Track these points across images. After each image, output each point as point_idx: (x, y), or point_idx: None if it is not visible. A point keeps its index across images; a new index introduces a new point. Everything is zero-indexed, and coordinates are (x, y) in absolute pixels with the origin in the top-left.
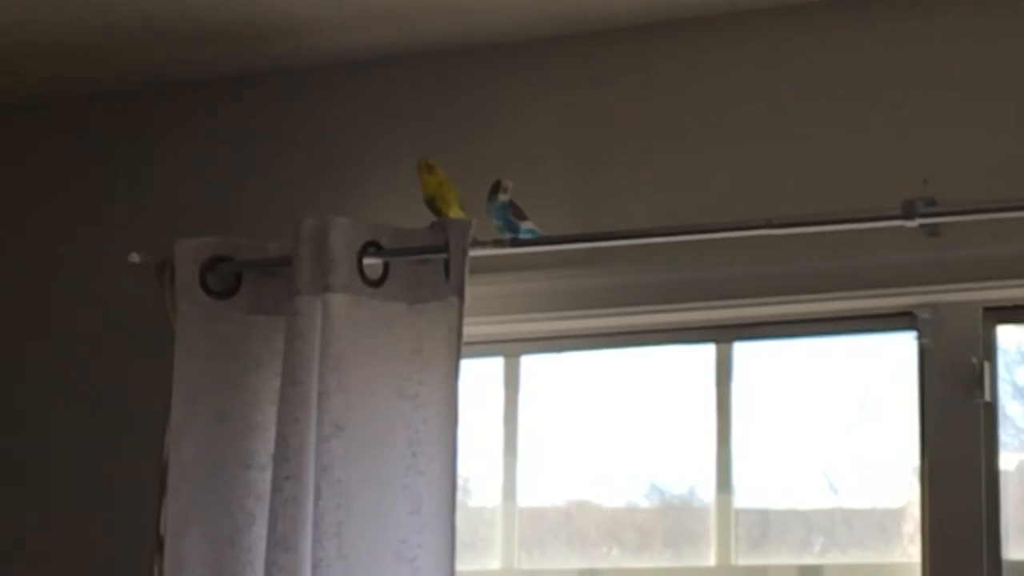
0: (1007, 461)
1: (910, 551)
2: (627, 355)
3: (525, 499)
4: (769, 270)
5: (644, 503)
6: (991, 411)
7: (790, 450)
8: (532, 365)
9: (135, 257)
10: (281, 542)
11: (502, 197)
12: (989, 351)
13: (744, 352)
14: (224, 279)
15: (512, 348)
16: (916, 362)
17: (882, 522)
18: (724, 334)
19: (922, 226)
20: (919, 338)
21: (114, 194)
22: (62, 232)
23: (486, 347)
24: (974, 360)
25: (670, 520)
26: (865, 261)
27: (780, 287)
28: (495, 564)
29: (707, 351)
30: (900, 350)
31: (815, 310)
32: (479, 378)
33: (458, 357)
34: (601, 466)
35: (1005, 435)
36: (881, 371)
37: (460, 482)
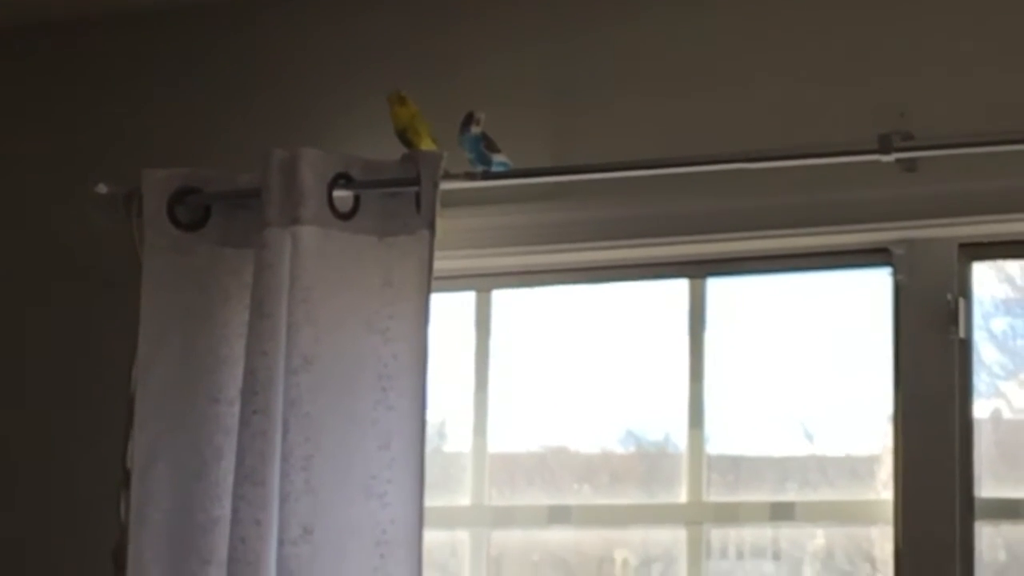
0: (982, 402)
1: (884, 496)
2: (600, 291)
3: (497, 443)
4: (743, 205)
5: (619, 449)
6: (966, 348)
7: (764, 393)
8: (504, 300)
9: (102, 188)
10: (249, 476)
11: (474, 129)
12: (964, 288)
13: (718, 289)
14: (193, 211)
15: (483, 283)
16: (891, 299)
17: (856, 469)
18: (697, 269)
19: (898, 161)
20: (894, 274)
21: (80, 124)
22: (26, 164)
23: (457, 281)
24: (949, 297)
25: (645, 464)
26: (840, 196)
27: (755, 222)
28: (465, 501)
29: (680, 287)
30: (875, 287)
31: (790, 245)
32: (450, 313)
33: (428, 291)
34: (574, 409)
35: (981, 374)
36: (856, 309)
37: (434, 426)
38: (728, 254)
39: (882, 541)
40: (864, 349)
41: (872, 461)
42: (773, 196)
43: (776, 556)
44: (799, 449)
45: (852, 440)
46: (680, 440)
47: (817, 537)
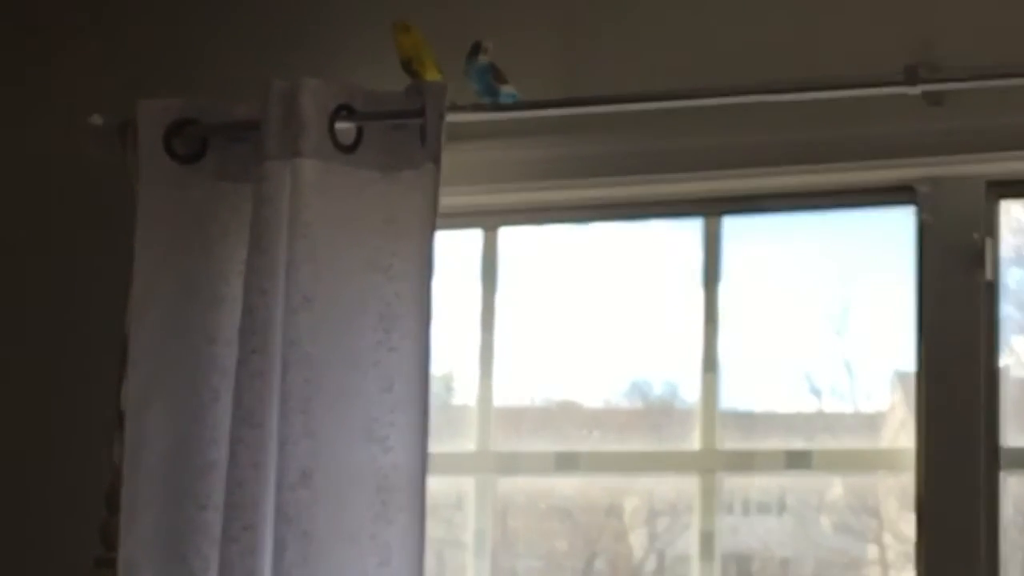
0: (1008, 348)
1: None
2: (611, 229)
3: (503, 396)
4: (761, 139)
5: (626, 400)
6: (992, 290)
7: (777, 340)
8: (511, 238)
9: (96, 119)
10: (247, 418)
11: (482, 59)
12: (992, 227)
13: (734, 227)
14: (190, 143)
15: (490, 220)
16: (915, 239)
17: (874, 422)
18: (713, 207)
19: (924, 94)
20: (919, 213)
21: (73, 52)
22: (15, 94)
23: (463, 218)
24: (976, 237)
25: (654, 414)
26: (863, 131)
27: (773, 158)
28: (470, 446)
29: (695, 225)
30: (898, 226)
31: (809, 183)
32: (455, 251)
33: (433, 228)
34: (581, 358)
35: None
36: (877, 249)
37: (441, 379)
38: (745, 191)
39: (902, 490)
40: (885, 290)
41: (891, 413)
42: (792, 130)
43: (788, 507)
44: (811, 404)
45: (869, 391)
46: (690, 392)
47: (834, 486)
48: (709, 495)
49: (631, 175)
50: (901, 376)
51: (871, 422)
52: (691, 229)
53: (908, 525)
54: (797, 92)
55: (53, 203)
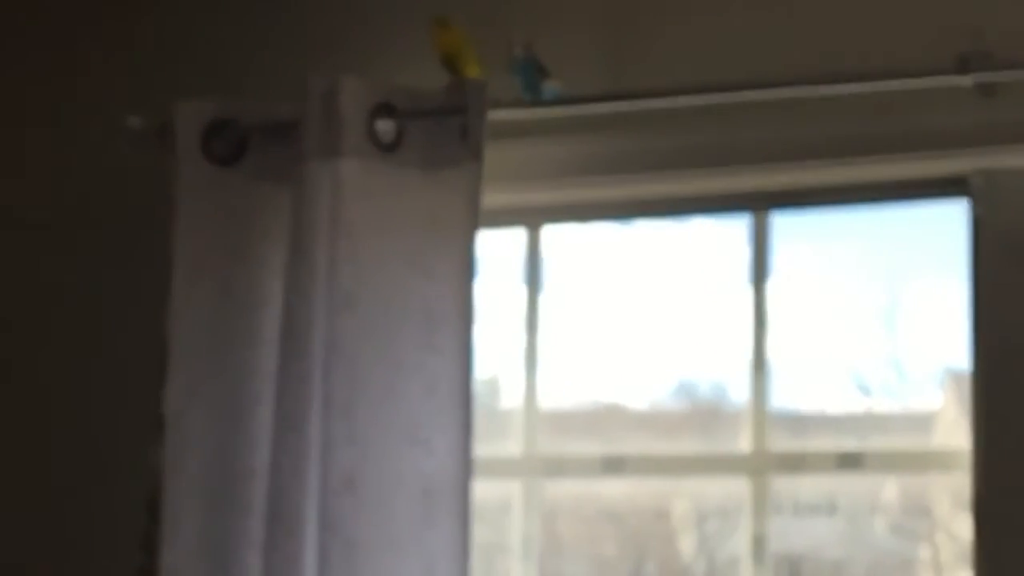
0: None
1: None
2: (657, 227)
3: (547, 399)
4: (810, 133)
5: (673, 402)
6: None
7: (826, 339)
8: (555, 237)
9: (134, 121)
10: (288, 423)
11: (523, 54)
12: None
13: (782, 224)
14: (228, 144)
15: (534, 218)
16: (968, 234)
17: (927, 423)
18: (761, 203)
19: (977, 84)
20: (972, 207)
21: (109, 53)
22: (52, 97)
23: (506, 217)
24: None
25: (701, 417)
26: (914, 123)
27: (822, 151)
28: (516, 449)
29: (742, 222)
30: (951, 221)
31: (859, 176)
32: (498, 250)
33: (476, 227)
34: (628, 356)
35: None
36: (930, 244)
37: (486, 383)
38: (793, 186)
39: (954, 490)
40: (938, 288)
41: (942, 412)
42: (842, 123)
43: (839, 508)
44: (860, 403)
45: (920, 390)
46: (738, 394)
47: (886, 486)
48: (760, 497)
49: (677, 171)
50: (953, 374)
51: (922, 421)
52: (738, 225)
53: (962, 525)
54: (846, 83)
55: (91, 207)
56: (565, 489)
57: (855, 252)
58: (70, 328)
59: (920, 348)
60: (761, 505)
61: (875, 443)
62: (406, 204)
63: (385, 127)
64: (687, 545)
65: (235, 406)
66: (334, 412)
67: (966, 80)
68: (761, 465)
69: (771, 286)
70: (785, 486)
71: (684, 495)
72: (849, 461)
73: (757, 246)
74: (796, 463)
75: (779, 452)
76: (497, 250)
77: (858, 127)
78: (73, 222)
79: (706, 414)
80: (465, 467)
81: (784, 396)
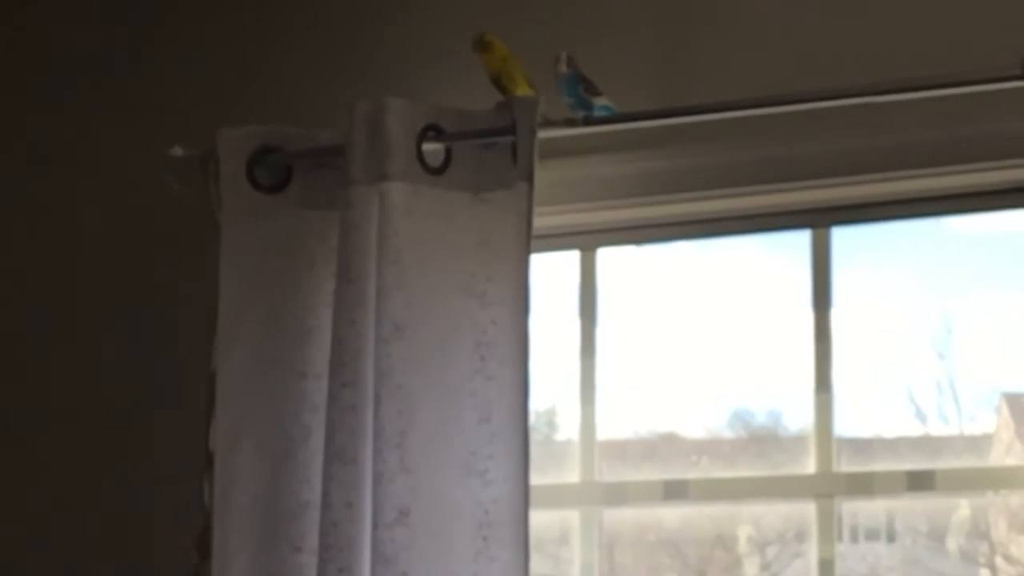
0: None
1: None
2: (715, 246)
3: (606, 425)
4: (871, 144)
5: (730, 430)
6: None
7: (893, 356)
8: (610, 258)
9: (177, 151)
10: (339, 455)
11: (567, 70)
12: None
13: (844, 238)
14: (273, 172)
15: (588, 240)
16: None
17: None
18: (822, 218)
19: None
20: None
21: (153, 82)
22: (96, 125)
23: (559, 239)
24: None
25: (764, 441)
26: (980, 130)
27: (884, 163)
28: (574, 478)
29: (802, 238)
30: (1019, 230)
31: (923, 187)
32: (552, 274)
33: (528, 250)
34: (686, 382)
35: None
36: (999, 256)
37: (543, 414)
38: (855, 199)
39: (1011, 512)
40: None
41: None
42: (904, 133)
43: (916, 529)
44: (916, 427)
45: (974, 413)
46: (793, 418)
47: (961, 507)
48: (827, 521)
49: (734, 187)
50: (1007, 397)
51: (976, 444)
52: (799, 242)
53: (1019, 548)
54: (908, 92)
55: (136, 238)
56: (625, 517)
57: (919, 264)
58: (115, 362)
59: (978, 368)
60: (828, 529)
61: (937, 464)
62: (456, 228)
63: (433, 150)
64: (750, 571)
65: (284, 439)
66: (386, 442)
67: None
68: (827, 487)
69: (834, 302)
70: (847, 510)
71: (750, 520)
72: (921, 481)
73: (817, 261)
74: (865, 484)
75: (846, 472)
76: (551, 273)
77: (921, 136)
78: (118, 253)
79: (765, 439)
80: (523, 496)
81: (843, 419)
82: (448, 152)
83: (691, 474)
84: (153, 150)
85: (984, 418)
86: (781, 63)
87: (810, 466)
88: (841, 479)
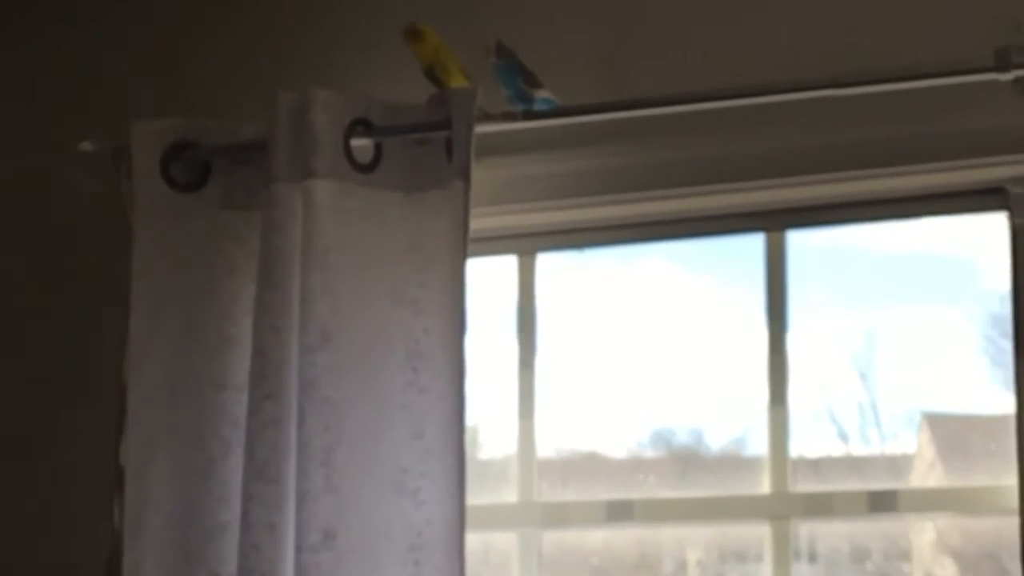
0: None
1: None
2: (661, 250)
3: (545, 441)
4: (830, 141)
5: (689, 441)
6: None
7: (846, 367)
8: (550, 264)
9: (87, 145)
10: (261, 473)
11: (494, 59)
12: None
13: (799, 242)
14: (190, 168)
15: (527, 243)
16: (1008, 247)
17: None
18: (776, 220)
19: (1017, 80)
20: (1012, 218)
21: (60, 72)
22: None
23: (496, 243)
24: None
25: (717, 458)
26: (947, 126)
27: (843, 161)
28: (511, 497)
29: (755, 241)
30: (988, 233)
31: (885, 188)
32: (488, 280)
33: (464, 254)
34: (630, 396)
35: None
36: (965, 260)
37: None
38: (812, 200)
39: (1005, 533)
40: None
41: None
42: (865, 129)
43: (875, 554)
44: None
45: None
46: (754, 438)
47: (927, 530)
48: (783, 543)
49: (682, 187)
50: (928, 417)
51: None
52: (751, 245)
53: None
54: (869, 85)
55: (44, 238)
56: (567, 539)
57: (879, 269)
58: (21, 369)
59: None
60: (783, 552)
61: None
62: (387, 229)
63: (362, 145)
64: None
65: (201, 456)
66: (310, 459)
67: (1006, 76)
68: (782, 508)
69: (790, 309)
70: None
71: (700, 542)
72: (882, 502)
73: (772, 266)
74: (823, 505)
75: (803, 492)
76: (487, 280)
77: (884, 133)
78: (25, 253)
79: (724, 453)
80: (457, 517)
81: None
82: (378, 148)
83: (636, 494)
84: (63, 145)
85: (904, 439)
86: (732, 55)
87: (761, 487)
88: (797, 499)
